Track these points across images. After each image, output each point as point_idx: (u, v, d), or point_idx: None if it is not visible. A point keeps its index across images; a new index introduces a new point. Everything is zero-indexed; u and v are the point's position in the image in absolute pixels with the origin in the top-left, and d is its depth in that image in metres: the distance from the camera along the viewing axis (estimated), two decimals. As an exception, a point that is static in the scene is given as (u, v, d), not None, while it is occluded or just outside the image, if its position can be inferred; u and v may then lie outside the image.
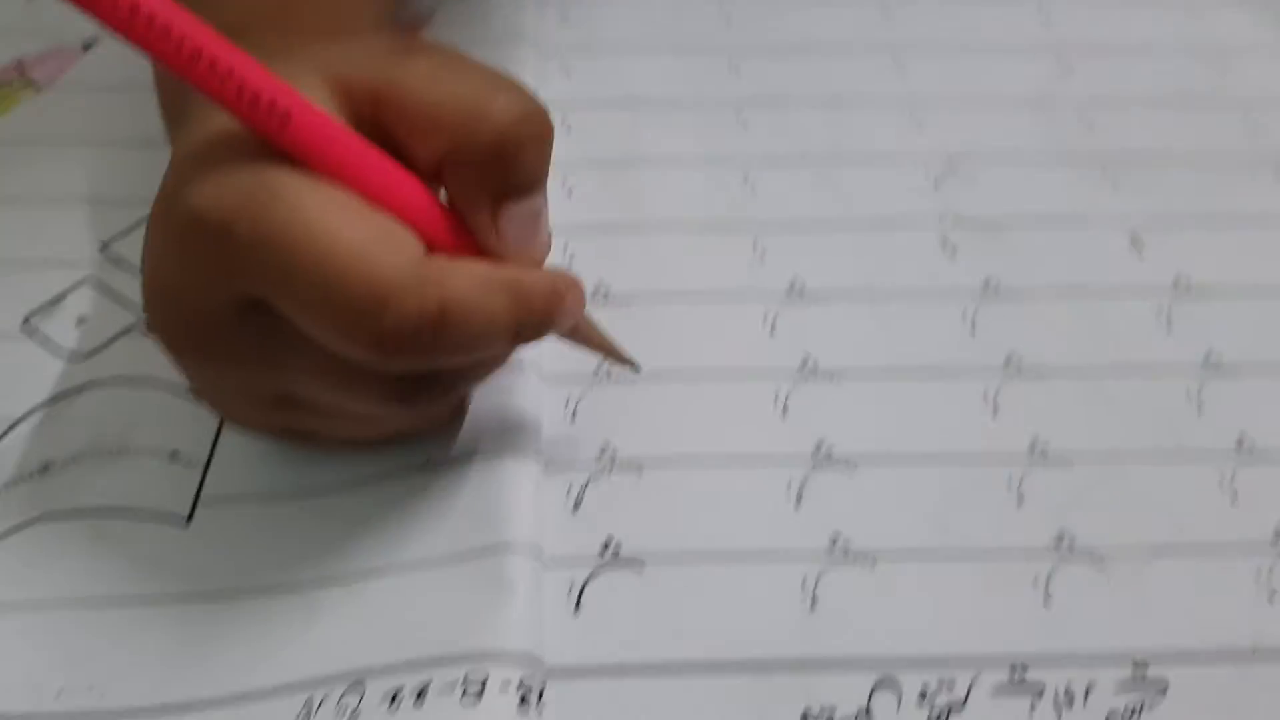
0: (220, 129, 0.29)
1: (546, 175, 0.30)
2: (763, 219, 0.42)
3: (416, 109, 0.29)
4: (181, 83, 0.27)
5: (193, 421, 0.35)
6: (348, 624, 0.31)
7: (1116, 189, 0.44)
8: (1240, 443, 0.36)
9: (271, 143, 0.28)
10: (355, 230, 0.27)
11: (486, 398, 0.35)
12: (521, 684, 0.29)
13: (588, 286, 0.38)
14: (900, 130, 0.46)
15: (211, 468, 0.35)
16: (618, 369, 0.35)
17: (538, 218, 0.31)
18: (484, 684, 0.29)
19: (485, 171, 0.29)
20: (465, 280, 0.28)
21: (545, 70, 0.48)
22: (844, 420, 0.36)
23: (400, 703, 0.29)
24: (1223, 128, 0.46)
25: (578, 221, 0.42)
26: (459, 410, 0.35)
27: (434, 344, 0.28)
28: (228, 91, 0.27)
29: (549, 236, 0.32)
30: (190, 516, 0.34)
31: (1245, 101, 0.48)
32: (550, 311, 0.30)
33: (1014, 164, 0.45)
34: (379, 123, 0.29)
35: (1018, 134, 0.46)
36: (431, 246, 0.29)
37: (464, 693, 0.29)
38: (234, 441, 0.35)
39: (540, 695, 0.29)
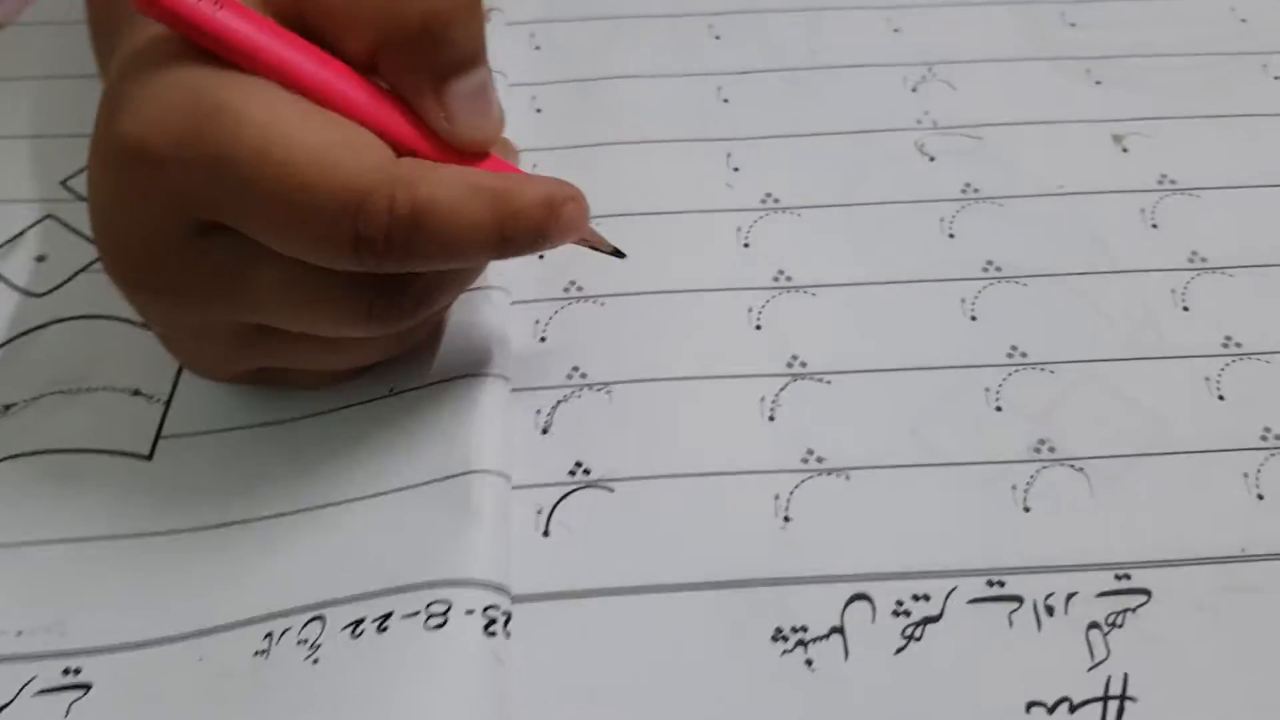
0: (149, 40, 0.27)
1: (484, 45, 0.29)
2: (736, 132, 0.41)
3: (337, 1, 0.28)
4: (110, 12, 0.25)
5: (154, 357, 0.34)
6: (309, 555, 0.31)
7: (1099, 88, 0.42)
8: (1227, 341, 0.35)
9: (207, 47, 0.26)
10: (313, 135, 0.26)
11: (453, 319, 0.34)
12: (487, 611, 0.29)
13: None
14: (876, 35, 0.45)
15: (174, 403, 0.34)
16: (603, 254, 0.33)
17: (484, 91, 0.29)
18: (447, 612, 0.28)
19: (419, 53, 0.28)
20: (441, 182, 0.27)
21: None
22: (819, 333, 0.35)
23: (363, 632, 0.28)
24: (1210, 22, 0.45)
25: (546, 140, 0.41)
26: (434, 330, 0.34)
27: (408, 247, 0.27)
28: None
29: (501, 111, 0.30)
30: (151, 453, 0.33)
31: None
32: (543, 223, 0.28)
33: (994, 66, 0.43)
34: (302, 23, 0.28)
35: (997, 35, 0.44)
36: (401, 151, 0.28)
37: (427, 621, 0.28)
38: (197, 377, 0.34)
39: (507, 622, 0.29)
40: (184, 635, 0.29)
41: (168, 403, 0.34)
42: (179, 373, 0.35)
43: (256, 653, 0.29)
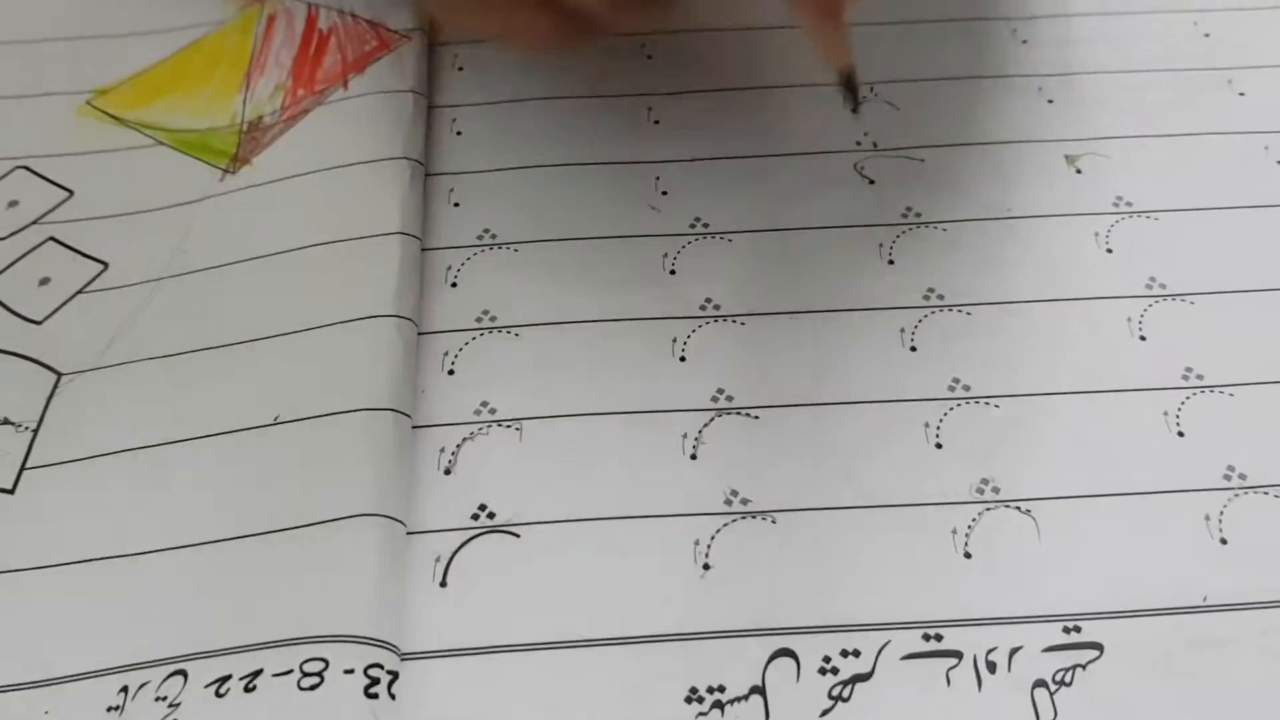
0: None
1: None
2: (665, 155, 0.39)
3: None
4: None
5: (26, 382, 0.32)
6: (173, 600, 0.28)
7: (1052, 106, 0.40)
8: (1187, 373, 0.33)
9: None
10: None
11: (352, 347, 0.32)
12: (369, 671, 0.26)
13: (473, 232, 0.35)
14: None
15: (42, 431, 0.32)
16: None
17: None
18: (324, 671, 0.26)
19: None
20: None
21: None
22: (747, 365, 0.33)
23: (228, 691, 0.26)
24: (1171, 37, 0.42)
25: (466, 164, 0.38)
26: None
27: None
28: None
29: None
30: (14, 486, 0.31)
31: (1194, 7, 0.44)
32: None
33: (939, 85, 0.41)
34: None
35: (943, 52, 0.42)
36: None
37: (301, 681, 0.26)
38: (69, 401, 0.32)
39: (392, 683, 0.26)
40: (29, 684, 0.27)
41: (36, 430, 0.31)
42: (49, 398, 0.32)
43: (110, 708, 0.27)
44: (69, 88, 0.41)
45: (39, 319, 0.34)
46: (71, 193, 0.38)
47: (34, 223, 0.37)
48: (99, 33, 0.42)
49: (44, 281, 0.35)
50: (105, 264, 0.36)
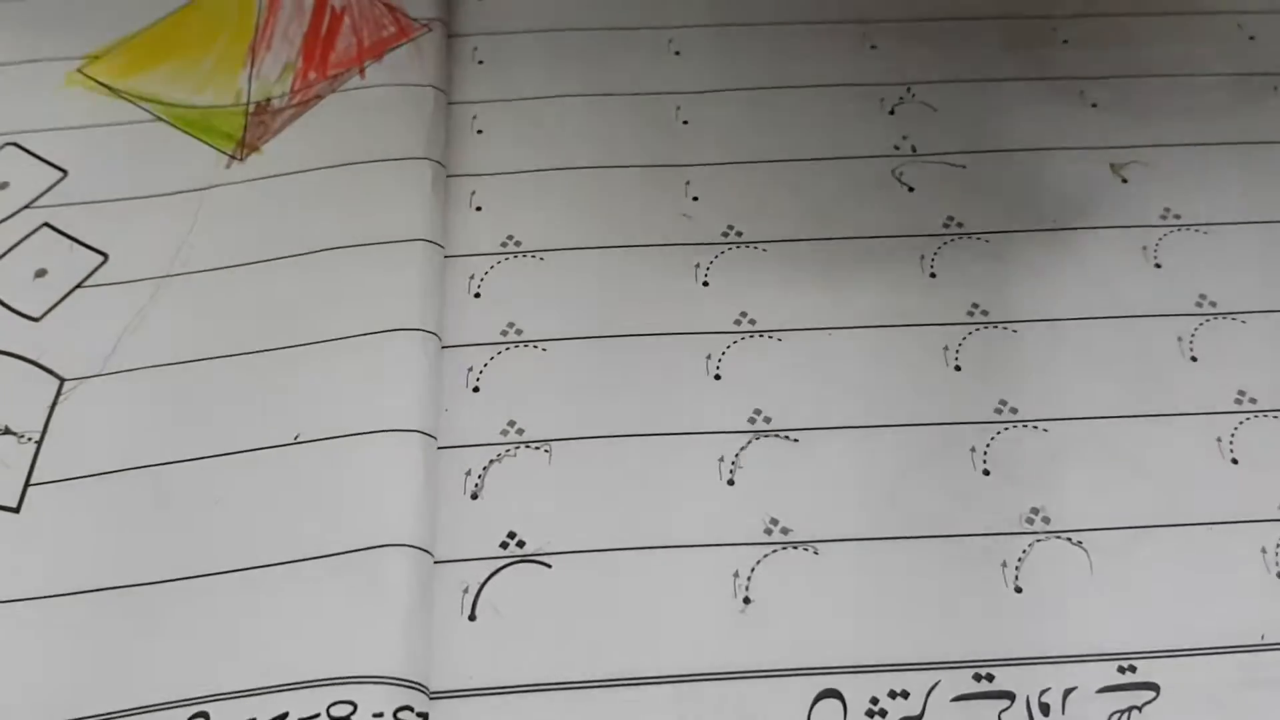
0: None
1: None
2: (695, 158, 0.37)
3: None
4: None
5: (25, 384, 0.31)
6: (192, 636, 0.27)
7: (1095, 111, 0.39)
8: (1240, 396, 0.32)
9: None
10: None
11: (373, 363, 0.31)
12: (398, 715, 0.25)
13: (496, 239, 0.34)
14: (850, 51, 0.40)
15: (47, 441, 0.30)
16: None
17: None
18: (351, 716, 0.25)
19: None
20: None
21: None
22: (786, 385, 0.32)
23: (253, 738, 0.25)
24: (1215, 39, 0.41)
25: (488, 165, 0.37)
26: None
27: None
28: None
29: None
30: (19, 504, 0.29)
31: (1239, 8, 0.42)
32: None
33: (978, 87, 0.39)
34: None
35: (983, 52, 0.40)
36: None
37: (327, 725, 0.24)
38: (74, 409, 0.31)
39: (422, 724, 0.25)
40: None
41: (40, 441, 0.30)
42: (53, 406, 0.30)
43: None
44: (56, 53, 0.39)
45: (37, 315, 0.33)
46: (65, 172, 0.36)
47: (26, 206, 0.35)
48: None
49: (40, 273, 0.34)
50: (105, 255, 0.34)
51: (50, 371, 0.32)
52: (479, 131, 0.37)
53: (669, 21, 0.40)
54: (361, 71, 0.38)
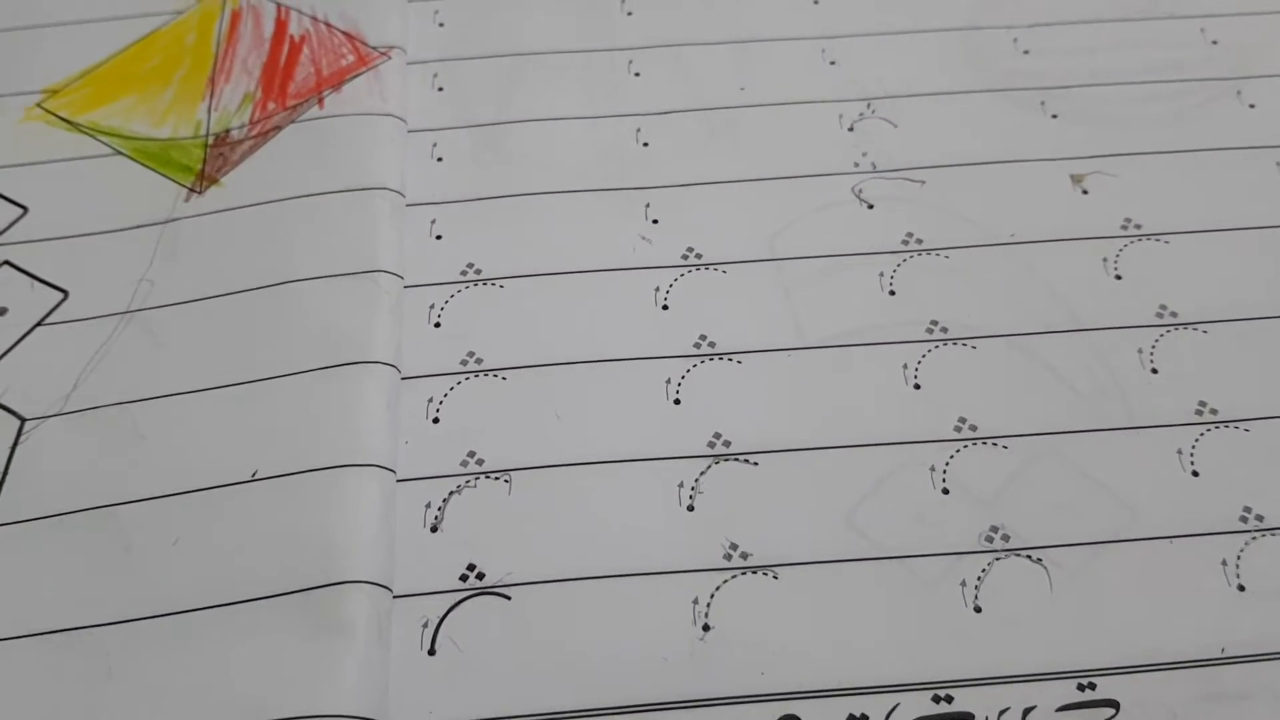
0: None
1: None
2: (655, 180, 0.37)
3: None
4: None
5: None
6: (152, 679, 0.27)
7: (1056, 122, 0.39)
8: (1201, 407, 0.31)
9: None
10: None
11: (333, 396, 0.31)
12: (354, 751, 0.25)
13: (456, 267, 0.34)
14: (809, 68, 0.40)
15: (7, 484, 0.30)
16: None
17: None
18: (307, 755, 0.25)
19: None
20: None
21: (417, 16, 0.42)
22: (744, 407, 0.32)
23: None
24: (1177, 45, 0.41)
25: (448, 193, 0.37)
26: None
27: None
28: None
29: None
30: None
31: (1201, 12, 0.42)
32: None
33: (938, 100, 0.39)
34: None
35: (943, 65, 0.40)
36: None
37: (284, 766, 0.24)
38: (34, 451, 0.31)
39: (380, 762, 0.25)
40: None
41: (1, 482, 0.30)
42: (14, 447, 0.30)
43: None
44: (15, 87, 0.39)
45: (-2, 354, 0.33)
46: (26, 209, 0.36)
47: (-12, 245, 0.35)
48: (43, 21, 0.41)
49: (1, 312, 0.34)
50: (65, 292, 0.34)
51: (12, 411, 0.32)
52: (439, 159, 0.37)
53: (629, 43, 0.40)
54: (320, 101, 0.38)
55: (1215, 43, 0.40)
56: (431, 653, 0.28)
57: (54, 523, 0.30)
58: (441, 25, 0.41)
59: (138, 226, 0.35)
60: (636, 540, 0.29)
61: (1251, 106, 0.38)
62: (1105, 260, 0.34)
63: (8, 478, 0.30)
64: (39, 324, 0.33)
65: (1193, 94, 0.39)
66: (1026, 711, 0.27)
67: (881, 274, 0.34)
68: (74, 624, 0.28)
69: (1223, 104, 0.38)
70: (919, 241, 0.35)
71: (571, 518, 0.30)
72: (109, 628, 0.28)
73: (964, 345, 0.33)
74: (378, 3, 0.40)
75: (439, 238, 0.35)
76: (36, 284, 0.34)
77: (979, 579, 0.29)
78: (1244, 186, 0.36)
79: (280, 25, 0.40)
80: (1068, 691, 0.27)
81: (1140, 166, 0.37)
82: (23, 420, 0.31)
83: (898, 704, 0.27)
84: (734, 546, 0.29)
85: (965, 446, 0.31)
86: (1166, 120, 0.38)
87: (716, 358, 0.33)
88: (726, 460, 0.31)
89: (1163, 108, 0.38)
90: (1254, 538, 0.29)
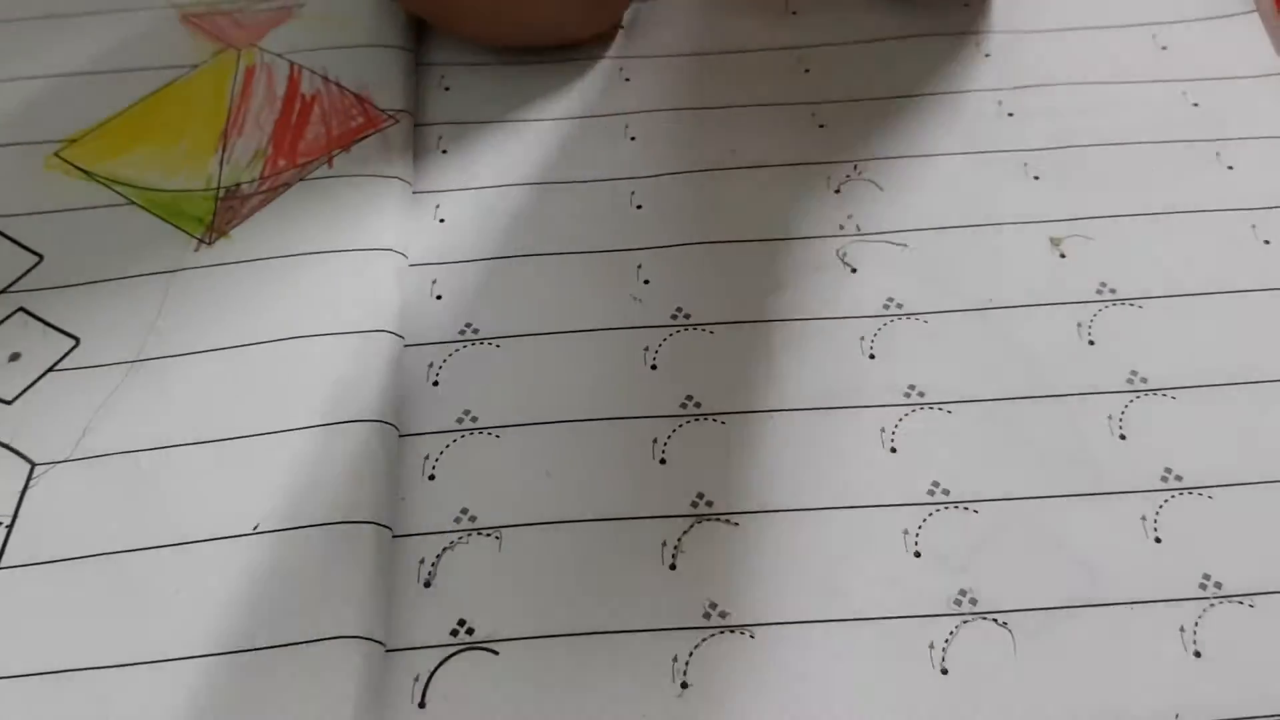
0: None
1: None
2: (647, 241, 0.38)
3: None
4: None
5: None
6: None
7: (1038, 184, 0.40)
8: (1166, 474, 0.33)
9: None
10: None
11: (330, 451, 0.32)
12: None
13: (455, 327, 0.35)
14: (799, 131, 0.42)
15: (17, 525, 0.32)
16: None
17: None
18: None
19: None
20: None
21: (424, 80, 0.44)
22: (727, 468, 0.33)
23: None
24: (1158, 106, 0.42)
25: (451, 253, 0.38)
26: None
27: None
28: None
29: None
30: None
31: (1184, 76, 0.43)
32: None
33: (923, 162, 0.40)
34: None
35: (927, 127, 0.42)
36: None
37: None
38: (43, 495, 0.32)
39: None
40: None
41: (10, 526, 0.32)
42: (24, 491, 0.32)
43: None
44: (35, 136, 0.40)
45: (9, 398, 0.34)
46: (41, 257, 0.37)
47: (3, 291, 0.37)
48: (63, 71, 0.42)
49: (14, 357, 0.35)
50: (77, 339, 0.35)
51: (22, 455, 0.33)
52: (441, 220, 0.39)
53: (626, 108, 0.41)
54: (330, 161, 0.39)
55: (1196, 105, 0.41)
56: (422, 705, 0.29)
57: (61, 566, 0.31)
58: (447, 89, 0.43)
59: (147, 275, 0.36)
60: (620, 599, 0.31)
61: (1230, 169, 0.39)
62: (1080, 325, 0.36)
63: (17, 520, 0.32)
64: (50, 369, 0.35)
65: (1173, 156, 0.40)
66: (986, 772, 0.28)
67: (862, 338, 0.35)
68: (76, 665, 0.29)
69: (1201, 166, 0.39)
70: (899, 306, 0.36)
71: (558, 575, 0.31)
72: (109, 670, 0.29)
73: (940, 409, 0.34)
74: (387, 68, 0.42)
75: (439, 297, 0.37)
76: (49, 330, 0.36)
77: (946, 642, 0.30)
78: (1218, 249, 0.37)
79: (293, 83, 0.42)
80: (1027, 754, 0.28)
81: (1117, 229, 0.38)
82: (33, 464, 0.33)
83: (865, 763, 0.28)
84: (713, 605, 0.31)
85: (938, 510, 0.32)
86: (1145, 182, 0.39)
87: (702, 418, 0.34)
88: (709, 520, 0.32)
89: (1142, 170, 0.39)
90: (1211, 605, 0.30)
